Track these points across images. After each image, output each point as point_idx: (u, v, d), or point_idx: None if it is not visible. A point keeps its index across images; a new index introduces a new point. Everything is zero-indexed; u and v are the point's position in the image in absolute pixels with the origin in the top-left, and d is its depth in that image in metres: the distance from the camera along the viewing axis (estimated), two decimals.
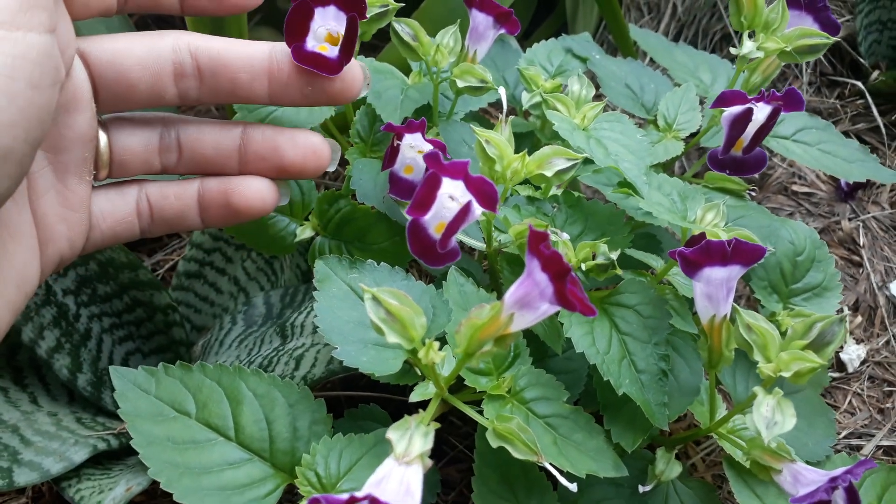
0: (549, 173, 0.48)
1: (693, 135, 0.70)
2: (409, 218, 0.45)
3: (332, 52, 0.48)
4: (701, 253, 0.45)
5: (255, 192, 0.49)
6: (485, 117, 0.78)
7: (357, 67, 0.48)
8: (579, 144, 0.55)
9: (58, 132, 0.43)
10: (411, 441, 0.35)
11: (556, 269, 0.33)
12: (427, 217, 0.43)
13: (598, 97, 0.63)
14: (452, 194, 0.42)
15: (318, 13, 0.47)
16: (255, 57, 0.47)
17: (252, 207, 0.49)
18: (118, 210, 0.48)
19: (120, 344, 0.77)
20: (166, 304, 0.77)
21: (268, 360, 0.58)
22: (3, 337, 0.42)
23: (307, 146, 0.50)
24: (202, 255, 0.80)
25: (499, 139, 0.48)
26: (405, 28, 0.60)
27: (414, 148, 0.58)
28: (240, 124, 0.50)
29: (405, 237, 0.64)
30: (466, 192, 0.41)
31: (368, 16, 0.55)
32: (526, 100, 0.70)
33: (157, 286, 0.77)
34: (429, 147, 0.57)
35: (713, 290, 0.47)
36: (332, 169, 0.51)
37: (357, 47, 0.49)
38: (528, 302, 0.35)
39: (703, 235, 0.48)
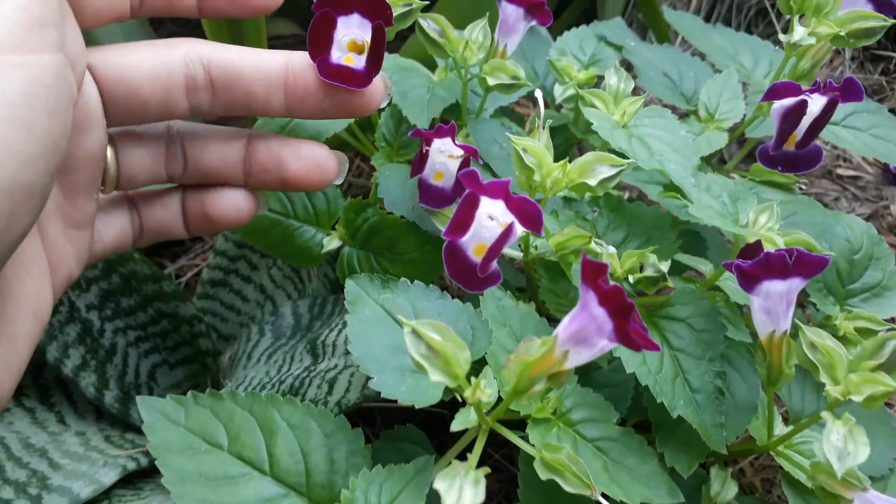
0: (593, 182, 0.45)
1: (737, 124, 0.66)
2: (446, 239, 0.42)
3: (358, 63, 0.44)
4: (759, 266, 0.42)
5: (230, 202, 0.48)
6: (515, 111, 0.75)
7: (378, 78, 0.45)
8: (621, 145, 0.51)
9: (69, 153, 0.41)
10: (462, 493, 0.32)
11: (617, 306, 0.30)
12: (465, 238, 0.40)
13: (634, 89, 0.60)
14: (492, 214, 0.39)
15: (342, 22, 0.44)
16: (271, 69, 0.44)
17: (226, 217, 0.48)
18: (116, 223, 0.47)
19: (146, 356, 0.75)
20: (191, 315, 0.76)
21: (299, 380, 0.55)
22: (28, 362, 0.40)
23: (311, 159, 0.47)
24: (226, 263, 0.78)
25: (537, 147, 0.45)
26: (431, 24, 0.56)
27: (444, 153, 0.55)
28: (244, 134, 0.48)
29: (436, 246, 0.62)
30: (507, 212, 0.38)
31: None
32: (559, 93, 0.67)
33: (182, 297, 0.75)
34: (459, 152, 0.54)
35: (772, 305, 0.43)
36: (339, 182, 0.49)
37: None
38: (584, 338, 0.32)
39: (758, 244, 0.45)
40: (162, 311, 0.75)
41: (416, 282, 0.50)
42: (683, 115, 0.67)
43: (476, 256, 0.41)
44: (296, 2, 1.05)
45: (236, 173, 0.49)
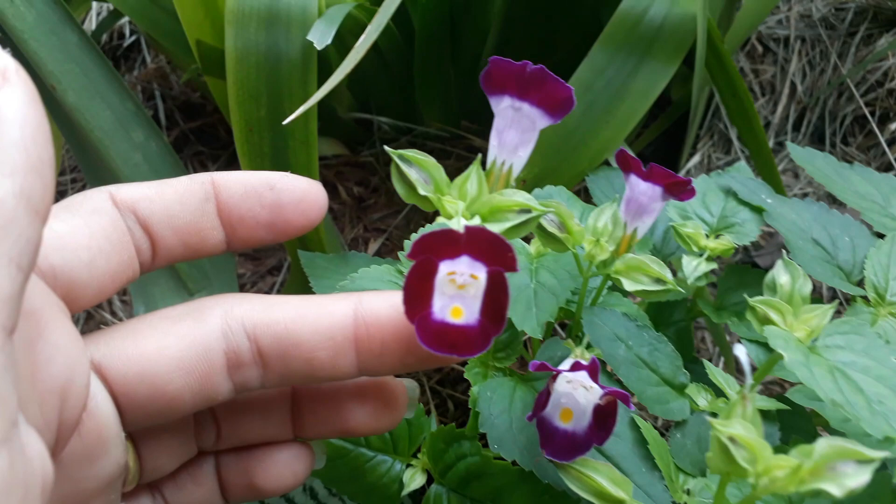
0: (836, 491, 0.31)
1: None
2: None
3: (469, 315, 0.32)
4: None
5: (281, 464, 0.38)
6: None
7: None
8: (828, 392, 0.38)
9: (74, 487, 0.29)
10: None
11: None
12: None
13: None
14: None
15: (445, 265, 0.32)
16: (336, 325, 0.32)
17: (279, 484, 0.38)
18: None
19: None
20: None
21: None
22: None
23: (377, 398, 0.38)
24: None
25: (751, 439, 0.31)
26: (549, 216, 0.44)
27: (573, 383, 0.42)
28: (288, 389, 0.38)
29: (556, 497, 0.48)
30: None
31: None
32: (690, 269, 0.54)
33: None
34: (598, 390, 0.40)
35: None
36: (409, 416, 0.39)
37: None
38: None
39: None
40: None
41: None
42: (847, 299, 0.54)
43: None
44: (337, 120, 0.94)
45: (283, 429, 0.38)
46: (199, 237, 0.34)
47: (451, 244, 0.32)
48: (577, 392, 0.42)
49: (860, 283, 0.54)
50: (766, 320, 0.42)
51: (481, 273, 0.33)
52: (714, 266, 0.55)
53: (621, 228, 0.45)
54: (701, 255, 0.54)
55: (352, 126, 0.94)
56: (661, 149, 0.94)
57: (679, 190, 0.45)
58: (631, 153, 0.46)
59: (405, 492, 0.48)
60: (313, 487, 0.65)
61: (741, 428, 0.32)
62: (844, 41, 1.00)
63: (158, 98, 1.09)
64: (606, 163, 0.70)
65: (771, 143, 0.96)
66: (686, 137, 0.84)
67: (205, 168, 1.02)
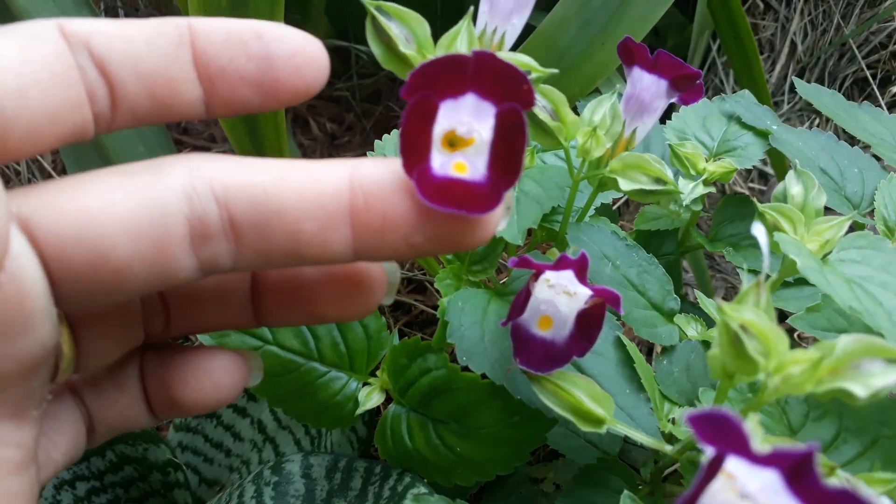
0: (861, 391, 0.26)
1: None
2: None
3: (474, 171, 0.27)
4: None
5: (206, 376, 0.32)
6: (606, 205, 0.57)
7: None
8: (845, 299, 0.33)
9: None
10: None
11: None
12: None
13: None
14: (744, 488, 0.21)
15: (445, 108, 0.26)
16: (327, 192, 0.26)
17: (204, 400, 0.33)
18: (65, 429, 0.31)
19: None
20: (165, 461, 0.56)
21: None
22: None
23: (348, 278, 0.32)
24: None
25: (765, 327, 0.27)
26: (541, 100, 0.39)
27: (555, 288, 0.37)
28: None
29: (528, 418, 0.43)
30: (791, 497, 0.20)
31: None
32: (686, 191, 0.49)
33: (153, 437, 0.55)
34: (585, 291, 0.35)
35: None
36: (388, 302, 0.33)
37: None
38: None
39: None
40: (126, 454, 0.55)
41: None
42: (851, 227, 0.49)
43: None
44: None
45: (243, 316, 0.33)
46: (169, 89, 0.27)
47: (455, 75, 0.26)
48: (558, 298, 0.37)
49: (869, 216, 0.50)
50: (775, 228, 0.38)
51: (488, 123, 0.27)
52: (712, 190, 0.50)
53: (620, 124, 0.40)
54: (698, 179, 0.49)
55: (328, 55, 0.88)
56: None
57: (686, 84, 0.41)
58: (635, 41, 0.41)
59: (360, 410, 0.42)
60: (262, 420, 0.60)
61: (754, 315, 0.27)
62: (848, 2, 0.96)
63: (122, 17, 1.02)
64: (598, 91, 0.65)
65: None
66: None
67: None
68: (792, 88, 0.95)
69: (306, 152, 0.91)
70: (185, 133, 0.87)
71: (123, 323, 0.30)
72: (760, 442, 0.20)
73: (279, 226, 0.25)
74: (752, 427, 0.24)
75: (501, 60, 0.26)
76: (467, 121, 0.27)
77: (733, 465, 0.20)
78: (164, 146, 0.67)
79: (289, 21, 0.29)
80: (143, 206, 0.23)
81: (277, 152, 0.64)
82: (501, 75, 0.26)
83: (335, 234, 0.25)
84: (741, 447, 0.19)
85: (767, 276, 0.29)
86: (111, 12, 1.02)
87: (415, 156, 0.25)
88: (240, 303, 0.32)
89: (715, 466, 0.19)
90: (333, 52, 0.89)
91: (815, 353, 0.26)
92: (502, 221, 0.29)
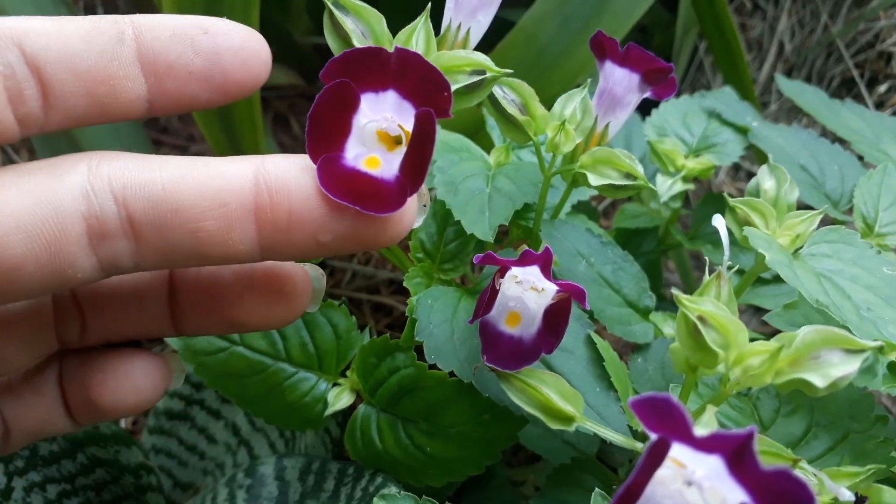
0: (819, 382, 0.25)
1: None
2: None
3: (386, 169, 0.26)
4: None
5: (126, 379, 0.32)
6: (587, 203, 0.56)
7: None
8: (812, 292, 0.33)
9: None
10: None
11: None
12: None
13: None
14: (692, 476, 0.20)
15: (367, 101, 0.26)
16: (229, 189, 0.25)
17: (123, 403, 0.32)
18: None
19: None
20: (138, 464, 0.55)
21: None
22: None
23: (273, 281, 0.31)
24: (189, 391, 0.58)
25: (724, 318, 0.26)
26: (509, 94, 0.38)
27: (523, 284, 0.36)
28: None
29: (498, 416, 0.42)
30: (733, 481, 0.19)
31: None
32: (664, 187, 0.48)
33: (125, 439, 0.55)
34: (552, 287, 0.35)
35: None
36: (313, 310, 0.33)
37: None
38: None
39: None
40: (97, 457, 0.55)
41: None
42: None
43: None
44: (294, 46, 0.87)
45: (160, 323, 0.32)
46: (108, 87, 0.27)
47: (377, 69, 0.26)
48: (526, 295, 0.36)
49: (847, 213, 0.49)
50: (747, 223, 0.37)
51: (409, 123, 0.27)
52: (691, 187, 0.49)
53: (591, 119, 0.39)
54: (677, 175, 0.49)
55: (309, 53, 0.87)
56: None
57: (659, 78, 0.40)
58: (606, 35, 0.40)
59: (329, 411, 0.42)
60: (235, 423, 0.59)
61: (713, 307, 0.26)
62: (836, 2, 0.95)
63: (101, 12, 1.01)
64: None
65: None
66: None
67: None
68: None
69: (287, 151, 0.90)
70: (165, 132, 0.86)
71: (32, 328, 0.30)
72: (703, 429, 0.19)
73: (179, 224, 0.24)
74: (708, 418, 0.24)
75: (425, 61, 0.26)
76: (391, 117, 0.26)
77: (680, 452, 0.20)
78: (141, 146, 0.67)
79: (269, 19, 0.29)
80: (37, 205, 0.23)
81: (254, 150, 0.63)
82: (425, 77, 0.26)
83: (238, 233, 0.25)
84: (682, 432, 0.18)
85: (729, 268, 0.28)
86: (90, 11, 1.02)
87: (323, 142, 0.25)
88: (157, 309, 0.32)
89: (657, 450, 0.19)
90: (314, 50, 0.88)
91: (775, 345, 0.26)
92: (418, 219, 0.28)
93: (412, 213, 0.28)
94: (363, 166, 0.27)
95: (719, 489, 0.20)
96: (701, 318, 0.26)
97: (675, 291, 0.26)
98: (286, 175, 0.26)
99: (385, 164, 0.27)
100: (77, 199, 0.24)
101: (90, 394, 0.31)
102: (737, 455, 0.19)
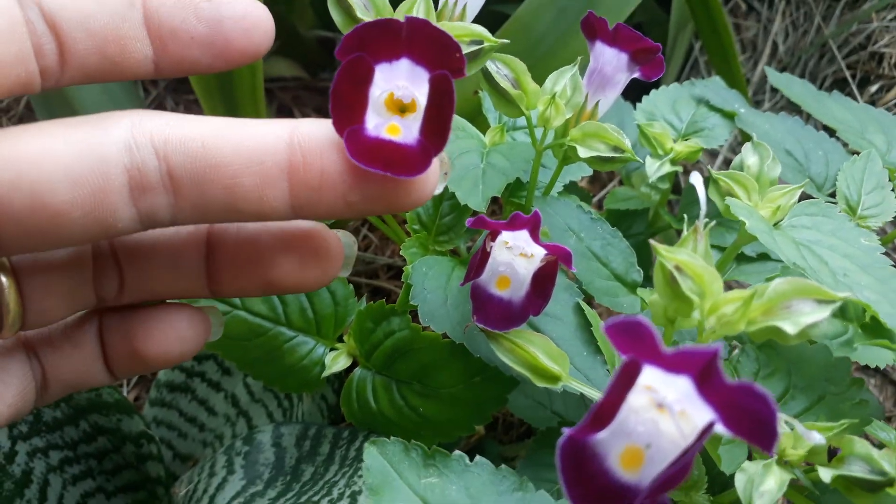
0: (790, 328, 0.27)
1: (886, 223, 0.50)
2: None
3: (408, 134, 0.28)
4: None
5: (170, 329, 0.33)
6: (582, 189, 0.58)
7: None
8: (790, 256, 0.34)
9: None
10: None
11: None
12: (604, 435, 0.22)
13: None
14: (664, 400, 0.22)
15: (381, 71, 0.28)
16: (265, 148, 0.27)
17: (167, 353, 0.34)
18: (12, 382, 0.31)
19: (74, 484, 0.56)
20: (139, 433, 0.57)
21: None
22: None
23: (306, 246, 0.32)
24: (190, 363, 0.59)
25: (699, 267, 0.27)
26: (502, 68, 0.40)
27: (513, 249, 0.38)
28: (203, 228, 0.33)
29: (489, 379, 0.44)
30: (701, 401, 0.21)
31: None
32: (652, 168, 0.50)
33: (127, 408, 0.56)
34: (540, 251, 0.36)
35: None
36: (345, 274, 0.34)
37: None
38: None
39: None
40: (99, 425, 0.56)
41: (477, 460, 0.32)
42: None
43: (626, 471, 0.23)
44: (298, 39, 0.89)
45: (197, 283, 0.33)
46: (119, 47, 0.28)
47: (389, 39, 0.28)
48: (516, 261, 0.38)
49: (831, 196, 0.51)
50: (729, 195, 0.39)
51: (423, 88, 0.28)
52: (679, 169, 0.51)
53: (581, 95, 0.41)
54: (665, 158, 0.50)
55: (313, 46, 0.89)
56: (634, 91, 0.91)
57: (646, 58, 0.42)
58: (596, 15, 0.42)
59: (326, 373, 0.43)
60: (235, 394, 0.60)
61: (689, 256, 0.28)
62: (829, 4, 0.97)
63: None
64: None
65: None
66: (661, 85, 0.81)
67: None
68: (773, 87, 0.96)
69: None
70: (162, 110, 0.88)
71: (71, 281, 0.31)
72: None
73: (216, 179, 0.26)
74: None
75: (434, 27, 0.27)
76: (404, 84, 0.28)
77: (651, 376, 0.21)
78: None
79: (274, 12, 0.30)
80: (83, 155, 0.25)
81: None
82: (434, 41, 0.28)
83: (273, 190, 0.27)
84: (652, 352, 0.20)
85: (706, 224, 0.30)
86: None
87: (346, 115, 0.27)
88: (194, 269, 0.33)
89: (628, 369, 0.20)
90: (318, 43, 0.90)
91: (748, 292, 0.27)
92: (439, 186, 0.30)
93: (435, 177, 0.29)
94: (386, 134, 0.28)
95: (689, 412, 0.22)
96: (677, 268, 0.28)
97: (652, 242, 0.28)
98: (319, 138, 0.27)
99: (405, 130, 0.28)
100: (121, 152, 0.25)
101: (136, 344, 0.32)
102: (704, 373, 0.20)
